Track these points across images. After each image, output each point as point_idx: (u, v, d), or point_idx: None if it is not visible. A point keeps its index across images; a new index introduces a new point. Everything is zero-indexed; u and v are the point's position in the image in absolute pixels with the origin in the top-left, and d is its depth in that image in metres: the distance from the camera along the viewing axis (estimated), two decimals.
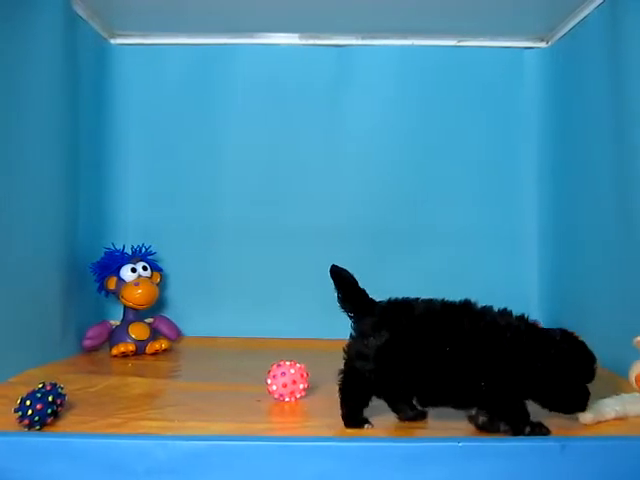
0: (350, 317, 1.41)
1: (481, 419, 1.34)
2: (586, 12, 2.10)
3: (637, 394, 1.32)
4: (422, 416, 1.39)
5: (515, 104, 2.53)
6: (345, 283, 1.42)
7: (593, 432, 1.35)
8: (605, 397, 1.45)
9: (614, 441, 1.18)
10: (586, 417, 1.38)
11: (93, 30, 2.37)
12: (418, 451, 1.11)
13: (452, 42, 2.52)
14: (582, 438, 1.25)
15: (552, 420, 1.37)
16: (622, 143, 1.84)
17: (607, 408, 1.41)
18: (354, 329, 1.40)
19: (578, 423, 1.37)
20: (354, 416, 1.36)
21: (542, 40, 2.49)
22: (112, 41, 2.53)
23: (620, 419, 1.41)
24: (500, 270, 2.49)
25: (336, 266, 1.43)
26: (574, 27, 2.22)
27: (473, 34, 2.49)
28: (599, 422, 1.39)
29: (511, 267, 2.51)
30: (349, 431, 1.34)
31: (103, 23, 2.42)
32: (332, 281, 1.42)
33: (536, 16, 2.31)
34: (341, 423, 1.38)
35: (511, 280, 2.47)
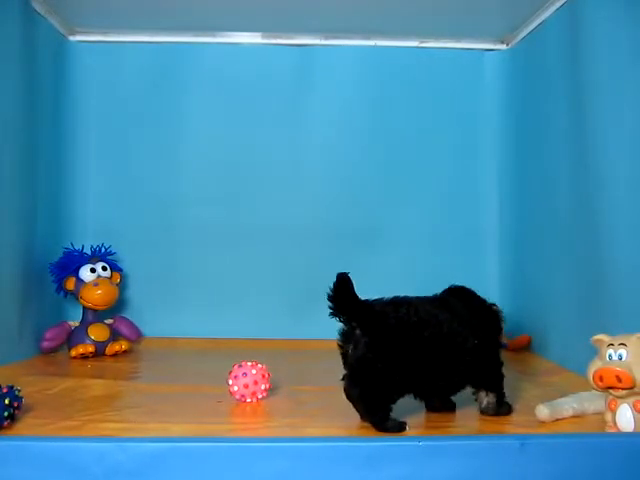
0: (342, 320, 1.38)
1: (486, 400, 1.44)
2: (545, 15, 2.14)
3: (595, 392, 1.34)
4: (403, 428, 1.34)
5: (475, 105, 2.56)
6: (348, 292, 1.39)
7: (552, 430, 1.36)
8: (563, 395, 1.48)
9: (572, 438, 1.19)
10: (543, 414, 1.39)
11: (52, 26, 2.34)
12: (379, 450, 1.11)
13: (414, 43, 2.54)
14: (541, 436, 1.26)
15: (511, 418, 1.39)
16: (580, 143, 1.86)
17: (565, 405, 1.43)
18: (362, 333, 1.35)
19: (537, 421, 1.39)
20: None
21: (502, 42, 2.53)
22: (71, 38, 2.49)
23: (578, 416, 1.44)
24: (461, 269, 2.49)
25: (345, 274, 1.39)
26: (534, 30, 2.26)
27: (435, 35, 2.51)
28: (557, 419, 1.41)
29: (472, 266, 2.53)
30: (310, 431, 1.34)
31: (62, 19, 2.38)
32: (335, 285, 1.37)
33: (496, 18, 2.34)
34: (304, 422, 1.39)
35: (472, 279, 2.47)
